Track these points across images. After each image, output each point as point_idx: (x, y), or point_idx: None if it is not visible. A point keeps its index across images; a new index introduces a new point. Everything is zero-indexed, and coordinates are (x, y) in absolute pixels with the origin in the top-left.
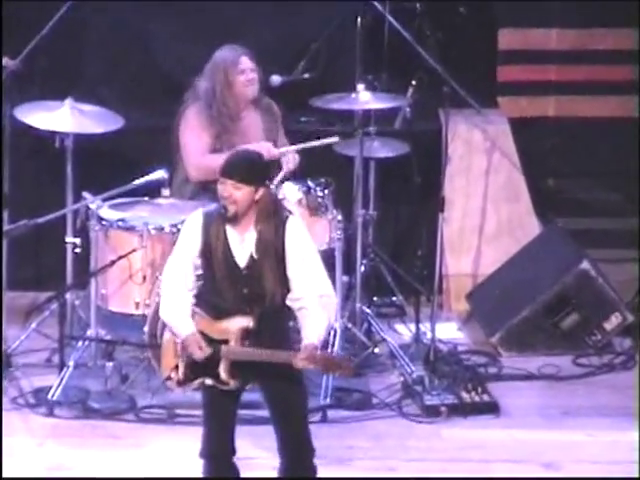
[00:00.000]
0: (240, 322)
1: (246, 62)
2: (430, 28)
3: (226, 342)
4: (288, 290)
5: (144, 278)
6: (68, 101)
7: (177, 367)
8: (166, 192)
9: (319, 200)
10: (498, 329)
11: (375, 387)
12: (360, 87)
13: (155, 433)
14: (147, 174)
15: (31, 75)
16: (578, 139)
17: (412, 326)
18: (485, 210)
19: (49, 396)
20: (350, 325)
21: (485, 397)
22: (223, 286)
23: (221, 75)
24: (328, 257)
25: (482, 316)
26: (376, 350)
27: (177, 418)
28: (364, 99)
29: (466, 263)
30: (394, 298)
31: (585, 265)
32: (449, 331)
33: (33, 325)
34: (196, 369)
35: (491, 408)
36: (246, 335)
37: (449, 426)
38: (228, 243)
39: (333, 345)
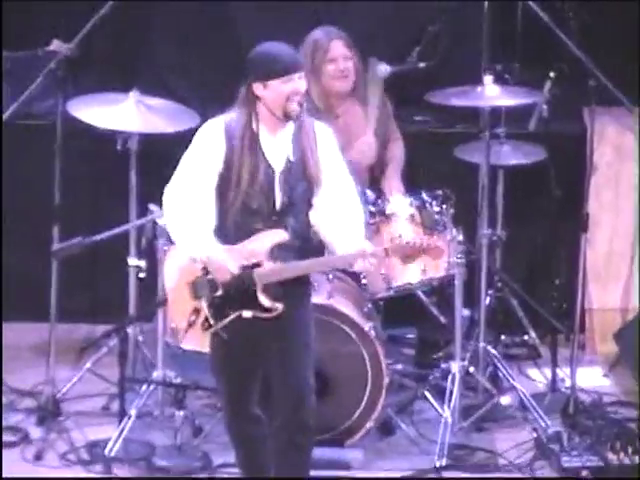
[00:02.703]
0: (270, 238)
1: (338, 48)
2: (574, 8)
3: (256, 266)
4: None
5: None
6: (133, 93)
7: (197, 310)
8: None
9: (436, 217)
10: None
11: (502, 445)
12: (487, 79)
13: None
14: None
15: (88, 62)
16: None
17: (548, 371)
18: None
19: (106, 451)
20: (472, 369)
21: (637, 459)
22: (253, 199)
23: (307, 61)
24: (446, 286)
25: (633, 360)
26: (503, 400)
27: None
28: (492, 94)
29: (614, 295)
30: (526, 337)
31: None
32: (593, 377)
33: (87, 365)
34: (226, 303)
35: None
36: (277, 252)
37: None
38: (261, 146)
39: (451, 393)
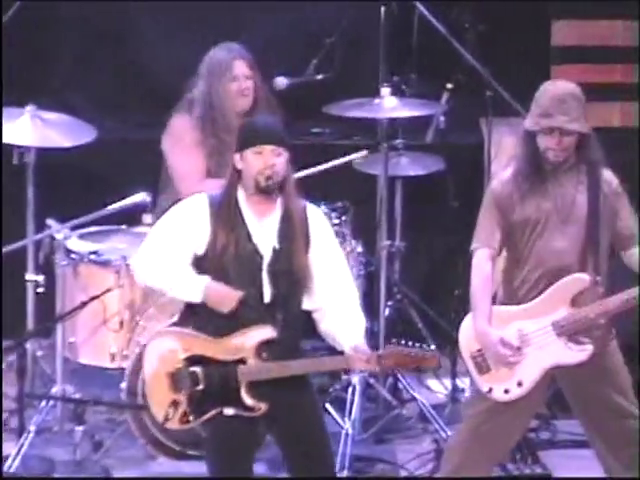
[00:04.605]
0: (259, 334)
1: (240, 67)
2: (470, 20)
3: (240, 362)
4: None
5: (121, 324)
6: (29, 108)
7: (176, 402)
8: (148, 219)
9: (335, 228)
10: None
11: (403, 456)
12: (384, 91)
13: None
14: (125, 197)
15: None
16: None
17: (447, 382)
18: None
19: (5, 468)
20: (372, 381)
21: (537, 469)
22: (239, 287)
23: (216, 81)
24: None
25: None
26: (404, 411)
27: None
28: (389, 105)
29: None
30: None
31: None
32: None
33: None
34: (207, 399)
35: None
36: (264, 349)
37: None
38: (248, 231)
39: (352, 405)
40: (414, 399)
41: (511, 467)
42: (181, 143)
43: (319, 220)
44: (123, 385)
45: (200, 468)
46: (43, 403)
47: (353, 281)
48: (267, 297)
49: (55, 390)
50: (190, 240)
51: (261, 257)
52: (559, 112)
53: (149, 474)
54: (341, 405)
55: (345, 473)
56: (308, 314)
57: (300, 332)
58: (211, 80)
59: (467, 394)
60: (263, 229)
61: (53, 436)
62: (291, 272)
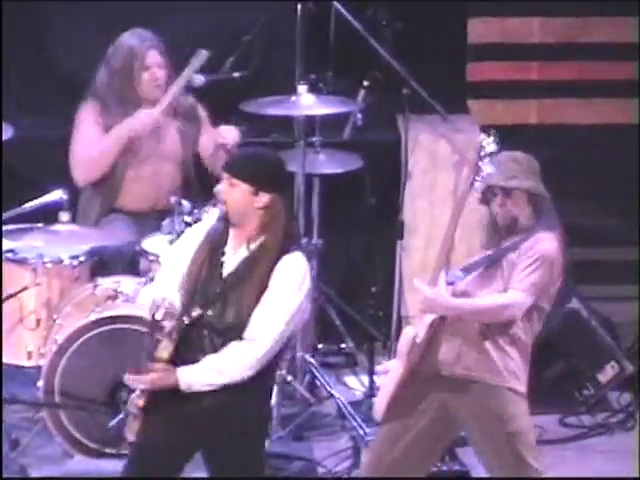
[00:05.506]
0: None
1: (154, 56)
2: (387, 17)
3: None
4: None
5: (38, 322)
6: None
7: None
8: (65, 216)
9: None
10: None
11: (320, 453)
12: (301, 89)
13: None
14: (42, 195)
15: None
16: (566, 151)
17: (365, 379)
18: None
19: None
20: (290, 378)
21: (454, 466)
22: (196, 300)
23: (122, 66)
24: None
25: None
26: (321, 408)
27: None
28: (306, 103)
29: None
30: (343, 345)
31: (575, 304)
32: None
33: None
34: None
35: (462, 479)
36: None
37: None
38: (220, 258)
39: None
40: (332, 396)
41: None
42: (79, 130)
43: (286, 271)
44: (40, 383)
45: (118, 466)
46: None
47: (265, 329)
48: (209, 318)
49: None
50: (184, 259)
51: (216, 284)
52: (497, 173)
53: (67, 472)
54: None
55: None
56: None
57: None
58: (116, 65)
59: None
60: (235, 257)
61: None
62: (233, 308)
